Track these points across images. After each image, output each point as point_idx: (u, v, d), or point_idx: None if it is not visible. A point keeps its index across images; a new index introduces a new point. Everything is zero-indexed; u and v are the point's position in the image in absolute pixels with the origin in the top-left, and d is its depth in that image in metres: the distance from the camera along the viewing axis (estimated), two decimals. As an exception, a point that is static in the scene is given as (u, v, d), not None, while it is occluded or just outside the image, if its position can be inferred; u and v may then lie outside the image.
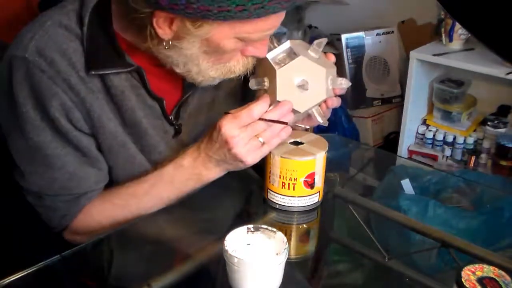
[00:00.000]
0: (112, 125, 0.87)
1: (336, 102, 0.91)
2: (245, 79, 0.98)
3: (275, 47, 0.88)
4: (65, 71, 0.81)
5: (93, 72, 0.82)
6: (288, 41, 0.88)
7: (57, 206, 0.89)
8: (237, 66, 0.85)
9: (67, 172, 0.87)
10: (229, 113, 0.84)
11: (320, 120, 0.90)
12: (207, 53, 0.80)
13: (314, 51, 0.87)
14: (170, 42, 0.78)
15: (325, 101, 0.90)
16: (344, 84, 0.89)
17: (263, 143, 0.84)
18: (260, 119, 0.83)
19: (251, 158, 0.84)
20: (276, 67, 0.85)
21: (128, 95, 0.87)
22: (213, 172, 0.88)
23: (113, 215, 0.91)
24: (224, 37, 0.77)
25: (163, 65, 0.86)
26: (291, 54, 0.87)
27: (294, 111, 0.88)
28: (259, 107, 0.83)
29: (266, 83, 0.87)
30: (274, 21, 0.78)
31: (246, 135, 0.82)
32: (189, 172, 0.88)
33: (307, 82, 0.84)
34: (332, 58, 0.92)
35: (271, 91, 0.86)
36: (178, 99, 0.95)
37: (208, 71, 0.83)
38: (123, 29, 0.85)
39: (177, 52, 0.80)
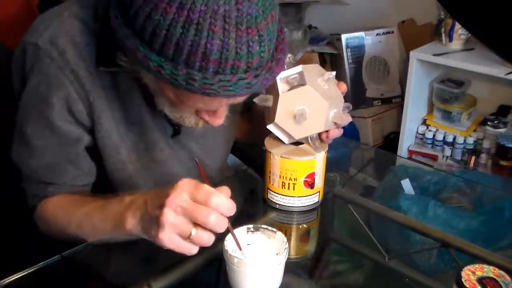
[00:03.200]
0: (110, 123, 0.87)
1: (337, 133, 0.91)
2: None
3: (290, 62, 0.87)
4: (75, 63, 0.81)
5: (101, 69, 0.83)
6: (301, 65, 0.87)
7: (30, 181, 0.91)
8: (188, 119, 0.83)
9: (44, 162, 0.88)
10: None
11: (315, 149, 0.89)
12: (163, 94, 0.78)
13: (323, 81, 0.87)
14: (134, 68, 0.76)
15: (326, 131, 0.90)
16: (345, 121, 0.88)
17: (189, 238, 0.67)
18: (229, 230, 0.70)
19: (167, 237, 0.67)
20: (281, 91, 0.85)
21: (137, 92, 0.88)
22: (133, 225, 0.73)
23: (58, 218, 0.88)
24: (171, 94, 0.75)
25: None
26: (301, 79, 0.86)
27: (290, 137, 0.89)
28: (221, 199, 0.66)
29: (270, 102, 0.88)
30: (222, 101, 0.75)
31: (185, 210, 0.66)
32: (120, 210, 0.76)
33: (307, 112, 0.85)
34: (343, 88, 0.91)
35: (272, 111, 0.87)
36: None
37: (164, 107, 0.82)
38: None
39: (145, 77, 0.78)
